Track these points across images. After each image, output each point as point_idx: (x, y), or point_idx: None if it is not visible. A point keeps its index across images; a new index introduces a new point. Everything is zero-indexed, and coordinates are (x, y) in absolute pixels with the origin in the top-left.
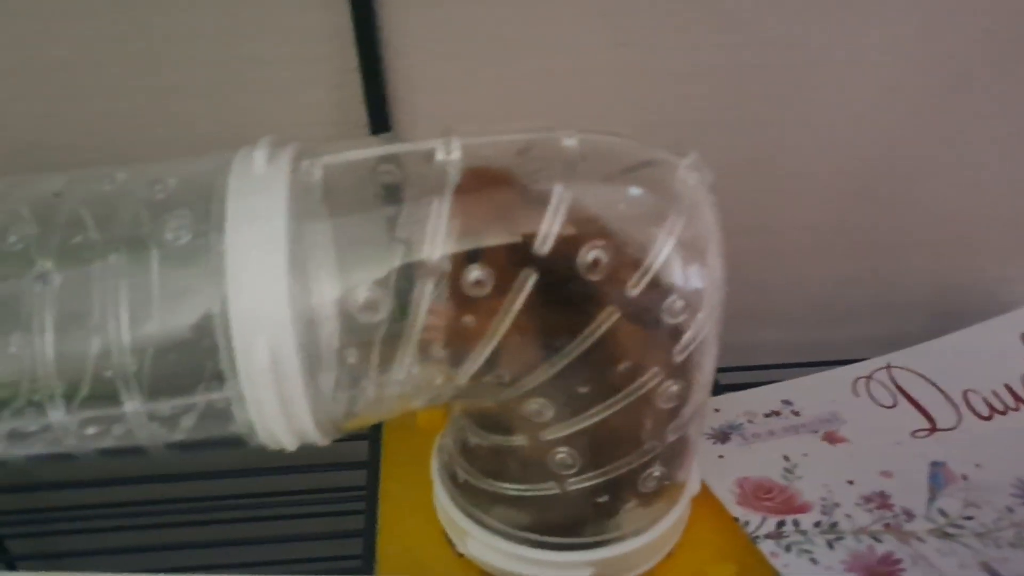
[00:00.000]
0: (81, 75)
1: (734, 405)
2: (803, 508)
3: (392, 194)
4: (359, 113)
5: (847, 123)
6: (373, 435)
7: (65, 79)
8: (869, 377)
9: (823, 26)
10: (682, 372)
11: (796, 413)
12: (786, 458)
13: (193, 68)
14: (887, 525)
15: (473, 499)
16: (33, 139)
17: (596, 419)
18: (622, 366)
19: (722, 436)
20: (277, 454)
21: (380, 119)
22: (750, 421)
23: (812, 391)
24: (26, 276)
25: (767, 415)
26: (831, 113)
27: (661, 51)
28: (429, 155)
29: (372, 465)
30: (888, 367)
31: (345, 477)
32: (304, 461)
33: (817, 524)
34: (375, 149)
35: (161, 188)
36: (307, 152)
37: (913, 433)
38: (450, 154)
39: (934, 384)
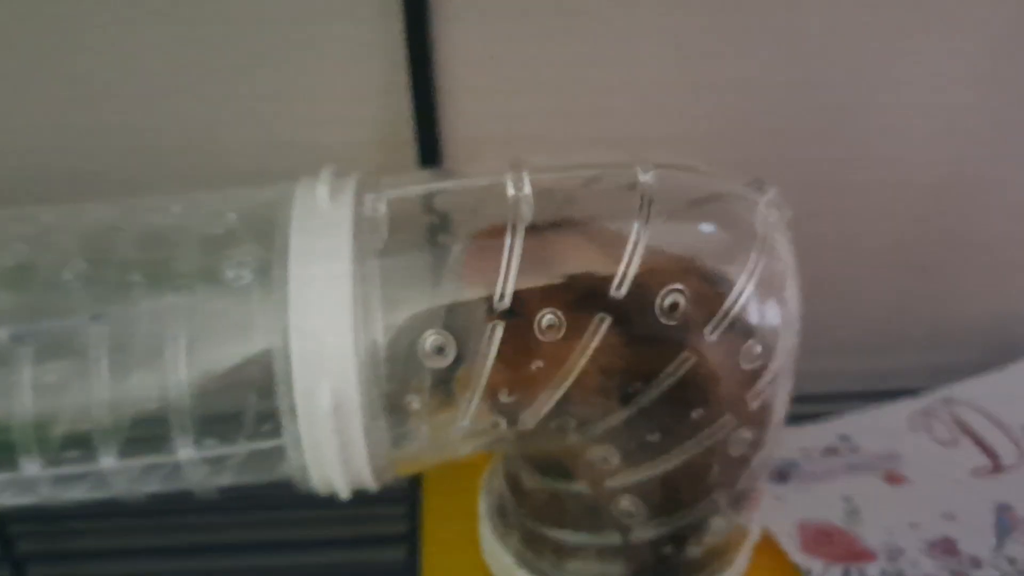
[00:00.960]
0: (128, 94)
1: (790, 440)
2: (867, 555)
3: (459, 230)
4: (406, 131)
5: (907, 147)
6: None
7: (104, 101)
8: (927, 412)
9: (887, 47)
10: (755, 418)
11: (854, 450)
12: (847, 499)
13: (239, 83)
14: (954, 573)
15: (526, 544)
16: (77, 163)
17: (664, 467)
18: (695, 413)
19: (780, 474)
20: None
21: (428, 138)
22: (807, 458)
23: (869, 426)
24: (81, 314)
25: (824, 452)
26: (891, 137)
27: (718, 68)
28: (498, 189)
29: (412, 499)
30: (947, 401)
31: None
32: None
33: (883, 572)
34: (441, 184)
35: (220, 223)
36: (369, 184)
37: (975, 472)
38: (522, 190)
39: (994, 419)
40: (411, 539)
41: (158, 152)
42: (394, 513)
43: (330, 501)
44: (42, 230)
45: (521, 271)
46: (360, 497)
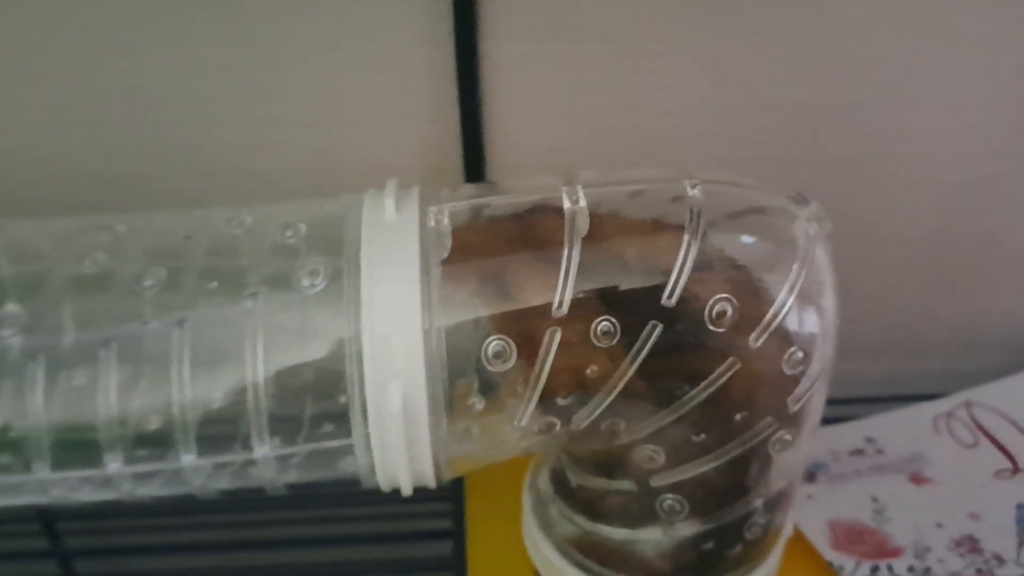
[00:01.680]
0: (179, 106)
1: (818, 442)
2: (895, 552)
3: (518, 241)
4: (454, 155)
5: (931, 159)
6: None
7: (159, 109)
8: (949, 415)
9: (919, 69)
10: (795, 421)
11: (880, 452)
12: (874, 499)
13: (288, 103)
14: (979, 571)
15: (570, 541)
16: (128, 172)
17: (708, 467)
18: (739, 415)
19: (809, 475)
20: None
21: (475, 154)
22: (835, 459)
23: (894, 428)
24: (163, 320)
25: (852, 453)
26: (917, 149)
27: (755, 87)
28: (553, 202)
29: (456, 495)
30: (967, 404)
31: (426, 506)
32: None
33: (911, 569)
34: (499, 198)
35: (292, 233)
36: (430, 197)
37: (996, 474)
38: (577, 202)
39: (1014, 423)
40: (456, 535)
41: (207, 170)
42: (439, 510)
43: (377, 497)
44: (118, 239)
45: (579, 280)
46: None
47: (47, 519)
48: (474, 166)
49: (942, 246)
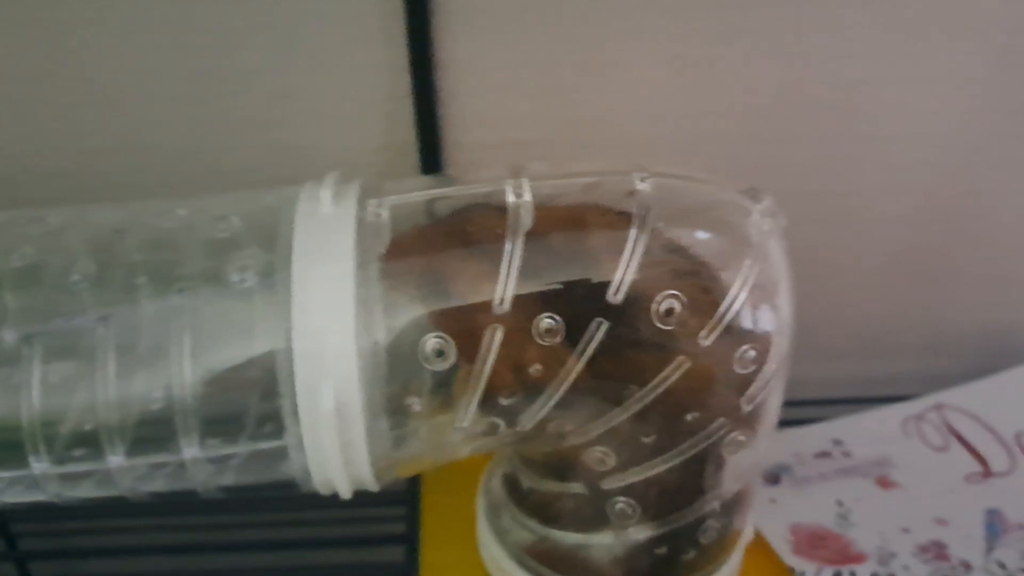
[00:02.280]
0: (131, 102)
1: (783, 444)
2: (859, 558)
3: (460, 236)
4: (409, 144)
5: (903, 158)
6: None
7: (113, 108)
8: (919, 417)
9: (886, 60)
10: (749, 421)
11: (847, 454)
12: (839, 503)
13: (242, 90)
14: None
15: (523, 546)
16: (79, 168)
17: (660, 469)
18: (690, 416)
19: (772, 477)
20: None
21: (431, 151)
22: (800, 462)
23: (862, 431)
24: (89, 316)
25: (817, 455)
26: (888, 148)
27: (719, 82)
28: (498, 196)
29: (411, 500)
30: (938, 406)
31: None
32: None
33: (874, 575)
34: (443, 190)
35: (225, 226)
36: (371, 191)
37: (966, 478)
38: (521, 196)
39: (986, 425)
40: (410, 539)
41: (160, 156)
42: (394, 514)
43: (330, 502)
44: (49, 232)
45: (522, 276)
46: (360, 498)
47: (1, 520)
48: (431, 156)
49: (913, 249)
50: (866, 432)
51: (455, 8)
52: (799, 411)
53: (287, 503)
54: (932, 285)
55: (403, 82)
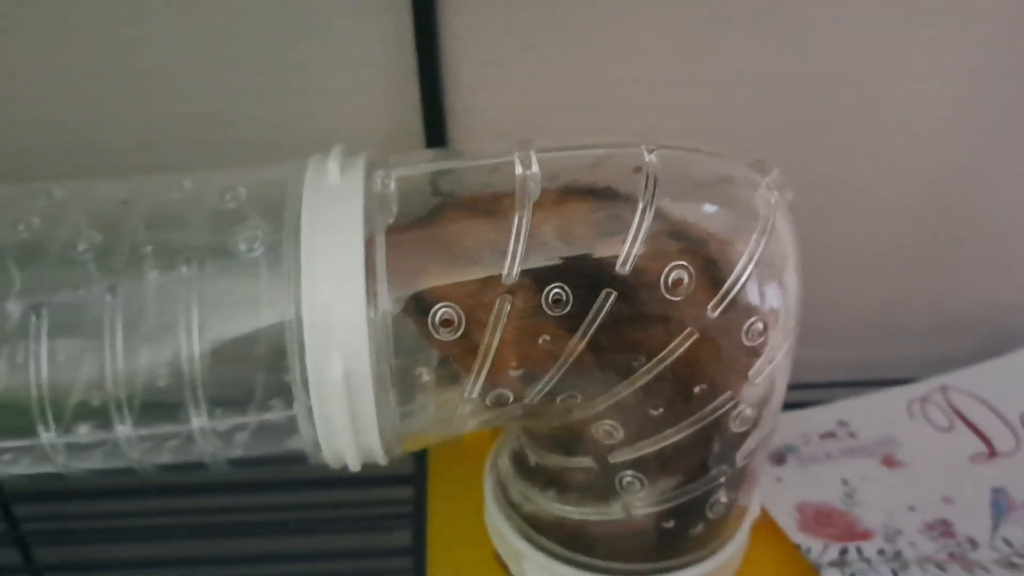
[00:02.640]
0: (133, 79)
1: (789, 425)
2: (865, 535)
3: (466, 206)
4: (413, 118)
5: (906, 142)
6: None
7: (116, 80)
8: (924, 399)
9: (887, 41)
10: (756, 396)
11: (852, 435)
12: (845, 482)
13: (247, 71)
14: (951, 554)
15: (530, 521)
16: (81, 139)
17: (667, 442)
18: (697, 389)
19: (778, 457)
20: (319, 468)
21: (435, 125)
22: (806, 442)
23: (867, 412)
24: (96, 286)
25: (823, 436)
26: (891, 132)
27: (724, 62)
28: (506, 168)
29: (418, 481)
30: (943, 388)
31: (390, 492)
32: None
33: (881, 552)
34: (450, 163)
35: (232, 197)
36: (378, 163)
37: (971, 457)
38: (529, 168)
39: (990, 407)
40: (418, 520)
41: (168, 133)
42: (400, 496)
43: (337, 483)
44: (55, 204)
45: (530, 247)
46: (367, 479)
47: (3, 503)
48: (435, 136)
49: (917, 232)
50: (871, 413)
51: None
52: (805, 394)
53: (294, 486)
54: (935, 270)
55: (408, 55)
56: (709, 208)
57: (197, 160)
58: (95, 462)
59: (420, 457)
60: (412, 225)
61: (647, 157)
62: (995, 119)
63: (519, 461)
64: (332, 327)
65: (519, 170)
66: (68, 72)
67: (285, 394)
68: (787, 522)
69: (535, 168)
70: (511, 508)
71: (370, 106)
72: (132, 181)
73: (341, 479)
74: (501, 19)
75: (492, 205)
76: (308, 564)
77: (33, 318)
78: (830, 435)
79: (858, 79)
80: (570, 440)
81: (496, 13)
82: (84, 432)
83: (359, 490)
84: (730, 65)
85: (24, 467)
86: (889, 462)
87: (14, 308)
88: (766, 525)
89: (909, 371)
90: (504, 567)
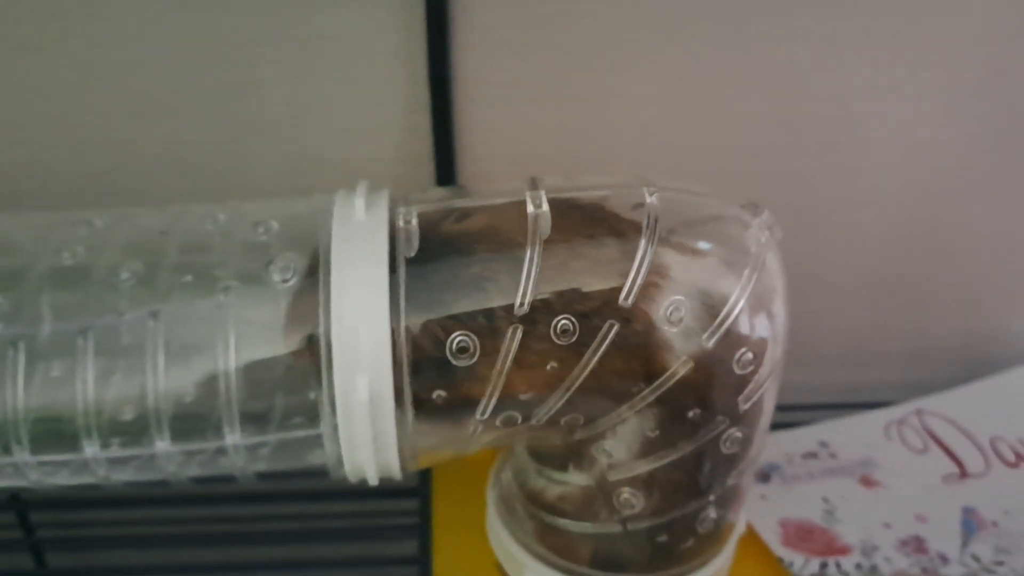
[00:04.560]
0: (156, 104)
1: (773, 445)
2: (844, 550)
3: (481, 242)
4: (424, 151)
5: (888, 176)
6: None
7: (136, 108)
8: (901, 422)
9: (873, 90)
10: (746, 420)
11: (833, 455)
12: (825, 500)
13: (266, 106)
14: (924, 569)
15: (532, 533)
16: (108, 168)
17: (663, 462)
18: (691, 413)
19: (763, 476)
20: (327, 480)
21: (446, 158)
22: (789, 462)
23: (847, 434)
24: (138, 312)
25: (805, 456)
26: (874, 170)
27: (717, 102)
28: (519, 206)
29: (423, 493)
30: (918, 412)
31: (396, 504)
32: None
33: (858, 566)
34: (466, 200)
35: (264, 231)
36: (399, 198)
37: (944, 478)
38: (540, 206)
39: (963, 430)
40: (424, 532)
41: (182, 165)
42: (405, 508)
43: (344, 495)
44: (96, 233)
45: (540, 280)
46: (373, 491)
47: (21, 509)
48: (445, 174)
49: (897, 260)
50: (850, 435)
51: (472, 26)
52: (788, 415)
53: (302, 497)
54: (913, 300)
55: (422, 96)
56: (704, 245)
57: (217, 193)
58: (131, 474)
59: (425, 471)
60: (432, 258)
61: (648, 198)
62: (971, 159)
63: (521, 476)
64: (359, 352)
65: (530, 209)
66: (85, 98)
67: (310, 412)
68: (771, 537)
69: (545, 207)
70: (514, 522)
71: (384, 144)
72: (166, 212)
73: (349, 491)
74: (510, 63)
75: (505, 241)
76: (316, 572)
77: (80, 340)
78: (812, 455)
79: (845, 122)
80: (571, 458)
81: (505, 58)
82: (125, 447)
83: (366, 502)
84: (724, 106)
85: (63, 478)
86: (867, 482)
87: (61, 330)
88: (751, 540)
89: (887, 395)
90: None
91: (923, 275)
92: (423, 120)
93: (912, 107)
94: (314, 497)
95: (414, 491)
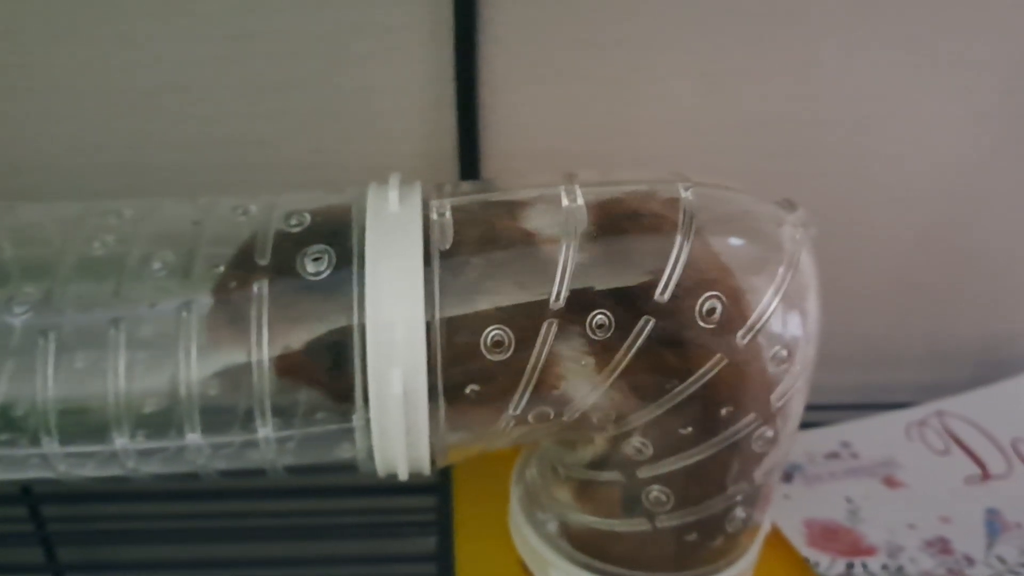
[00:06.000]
0: (180, 98)
1: (795, 444)
2: (869, 551)
3: (513, 236)
4: (449, 146)
5: (909, 177)
6: None
7: (164, 102)
8: (922, 423)
9: (897, 91)
10: (777, 418)
11: (855, 456)
12: (849, 500)
13: (294, 100)
14: (950, 570)
15: (557, 531)
16: (132, 160)
17: (694, 460)
18: (724, 410)
19: (786, 476)
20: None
21: (470, 153)
22: (811, 461)
23: (868, 434)
24: (171, 302)
25: (827, 456)
26: (893, 167)
27: (743, 100)
28: (553, 199)
29: (443, 489)
30: (939, 413)
31: (414, 500)
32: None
33: (884, 567)
34: (499, 193)
35: (297, 222)
36: (432, 191)
37: (966, 479)
38: (575, 200)
39: (984, 431)
40: (442, 528)
41: (206, 161)
42: (422, 504)
43: (362, 491)
44: (125, 223)
45: (576, 275)
46: (392, 487)
47: (32, 503)
48: (469, 168)
49: (918, 261)
50: (872, 435)
51: (501, 21)
52: (810, 415)
53: (319, 492)
54: (934, 301)
55: (447, 93)
56: (739, 242)
57: (245, 185)
58: (160, 466)
59: (444, 467)
60: (466, 251)
61: (683, 193)
62: (991, 162)
63: (547, 474)
64: (393, 346)
65: (565, 203)
66: (114, 93)
67: (346, 404)
68: (796, 537)
69: (580, 201)
70: (538, 518)
71: (409, 139)
72: (196, 203)
73: (365, 487)
74: (535, 61)
75: (541, 234)
76: (331, 569)
77: (112, 331)
78: (834, 455)
79: (868, 123)
80: (601, 454)
81: (531, 55)
82: (155, 438)
83: (382, 498)
84: (749, 105)
85: (90, 470)
86: (890, 482)
87: (92, 320)
88: (775, 540)
89: (908, 395)
90: (530, 575)
91: (944, 277)
92: (448, 116)
93: (935, 109)
94: (330, 493)
95: (431, 488)
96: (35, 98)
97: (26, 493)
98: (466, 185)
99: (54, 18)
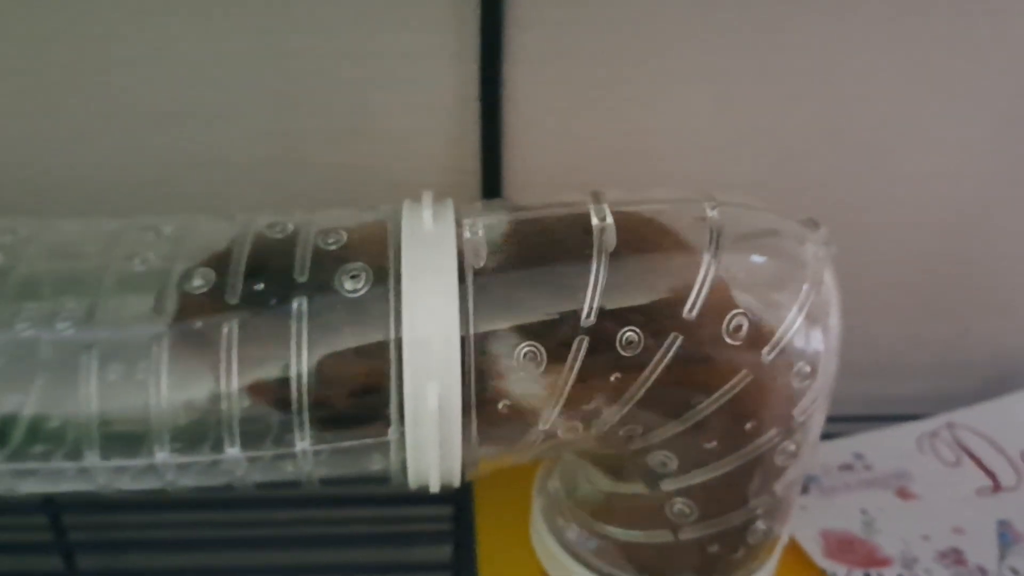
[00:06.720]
0: (205, 116)
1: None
2: (885, 562)
3: (545, 254)
4: (472, 164)
5: (922, 187)
6: None
7: (195, 121)
8: (933, 434)
9: (910, 104)
10: (799, 432)
11: (868, 467)
12: (863, 512)
13: (319, 117)
14: None
15: (580, 542)
16: (163, 178)
17: (718, 473)
18: (748, 425)
19: (802, 487)
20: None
21: (492, 172)
22: (826, 473)
23: (880, 446)
24: (212, 318)
25: (841, 468)
26: (907, 177)
27: (758, 118)
28: (582, 219)
29: (461, 499)
30: (950, 425)
31: (431, 510)
32: (392, 492)
33: None
34: (530, 212)
35: (334, 241)
36: (463, 210)
37: (978, 491)
38: (604, 219)
39: (994, 443)
40: (460, 538)
41: (236, 175)
42: (438, 514)
43: (383, 500)
44: (164, 240)
45: (606, 293)
46: (409, 497)
47: (53, 512)
48: (491, 186)
49: (928, 278)
50: (884, 447)
51: (525, 38)
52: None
53: (332, 501)
54: (945, 313)
55: (472, 112)
56: (763, 260)
57: (269, 202)
58: (198, 479)
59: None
60: (499, 269)
61: (710, 212)
62: (1006, 171)
63: (570, 485)
64: (429, 360)
65: (595, 221)
66: (145, 112)
67: (379, 420)
68: (813, 548)
69: (609, 219)
70: (560, 529)
71: (431, 155)
72: (235, 221)
73: (385, 496)
74: (559, 83)
75: (571, 253)
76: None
77: (154, 347)
78: (847, 467)
79: (881, 136)
80: (625, 467)
81: (555, 77)
82: (195, 452)
83: (399, 507)
84: (765, 123)
85: (126, 482)
86: (903, 494)
87: (135, 336)
88: (792, 551)
89: (919, 407)
90: None
91: (954, 289)
92: (472, 134)
93: (952, 127)
94: (347, 502)
95: (447, 497)
96: (48, 120)
97: (47, 502)
98: (498, 203)
99: (60, 38)
